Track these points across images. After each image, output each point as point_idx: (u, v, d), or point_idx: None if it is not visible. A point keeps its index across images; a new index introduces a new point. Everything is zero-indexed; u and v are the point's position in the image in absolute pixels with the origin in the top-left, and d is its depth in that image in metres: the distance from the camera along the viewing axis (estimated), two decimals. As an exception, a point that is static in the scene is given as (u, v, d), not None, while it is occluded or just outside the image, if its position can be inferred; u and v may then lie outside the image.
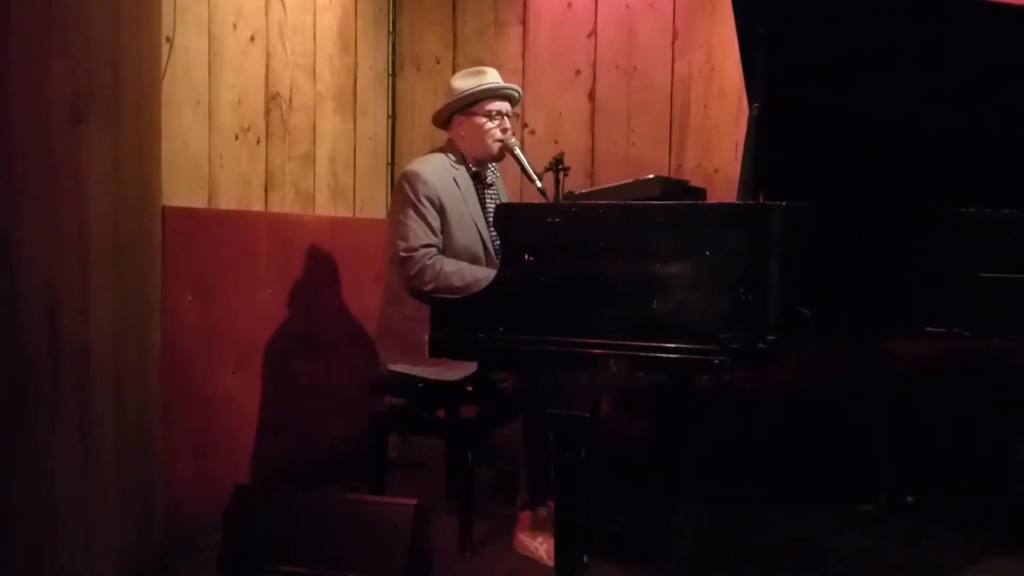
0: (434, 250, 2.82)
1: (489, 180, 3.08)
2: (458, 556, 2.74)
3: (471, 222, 2.94)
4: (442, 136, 3.14)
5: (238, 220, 3.00)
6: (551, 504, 2.60)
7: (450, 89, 3.00)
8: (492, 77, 2.98)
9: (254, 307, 3.05)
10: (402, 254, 2.81)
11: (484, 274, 2.72)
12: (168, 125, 2.57)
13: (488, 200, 3.04)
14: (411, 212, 2.83)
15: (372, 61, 3.90)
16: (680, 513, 3.21)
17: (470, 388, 2.81)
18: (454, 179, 2.94)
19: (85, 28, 2.09)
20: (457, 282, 2.73)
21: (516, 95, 3.03)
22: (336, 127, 3.62)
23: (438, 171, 2.92)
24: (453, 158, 2.99)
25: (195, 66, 2.77)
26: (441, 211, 2.86)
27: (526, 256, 2.06)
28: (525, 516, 2.79)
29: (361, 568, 2.30)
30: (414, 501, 2.37)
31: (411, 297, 2.80)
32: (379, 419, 2.95)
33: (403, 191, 2.86)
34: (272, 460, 3.12)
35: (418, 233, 2.82)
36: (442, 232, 2.87)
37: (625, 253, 1.99)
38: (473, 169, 3.01)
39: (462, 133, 2.99)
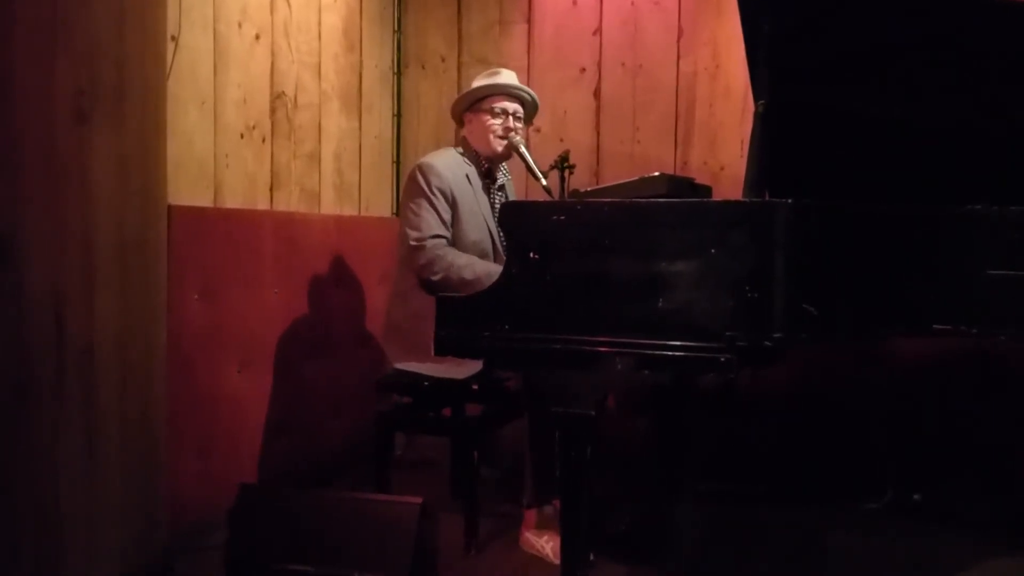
0: (444, 241, 2.83)
1: (500, 182, 3.08)
2: (463, 554, 2.74)
3: (481, 218, 2.95)
4: (447, 135, 3.14)
5: (243, 219, 2.99)
6: (557, 502, 2.60)
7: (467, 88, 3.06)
8: (507, 78, 3.00)
9: (260, 306, 3.05)
10: (412, 243, 2.81)
11: (495, 269, 2.71)
12: (173, 124, 2.57)
13: (497, 200, 3.04)
14: (423, 202, 2.83)
15: (377, 59, 3.89)
16: (683, 512, 3.20)
17: (475, 386, 2.81)
18: (466, 175, 2.96)
19: (89, 27, 2.09)
20: (468, 275, 2.73)
21: (528, 98, 3.03)
22: (341, 126, 3.62)
23: (451, 165, 2.93)
24: (466, 155, 3.01)
25: (200, 65, 2.77)
26: (453, 204, 2.87)
27: (531, 254, 2.06)
28: (531, 514, 2.79)
29: (366, 567, 2.30)
30: (419, 500, 2.37)
31: (419, 292, 2.80)
32: (384, 417, 2.95)
33: (416, 182, 2.87)
34: (277, 459, 3.12)
35: (430, 223, 2.82)
36: (452, 225, 2.87)
37: (631, 251, 1.98)
38: (485, 167, 3.02)
39: (471, 129, 3.01)
